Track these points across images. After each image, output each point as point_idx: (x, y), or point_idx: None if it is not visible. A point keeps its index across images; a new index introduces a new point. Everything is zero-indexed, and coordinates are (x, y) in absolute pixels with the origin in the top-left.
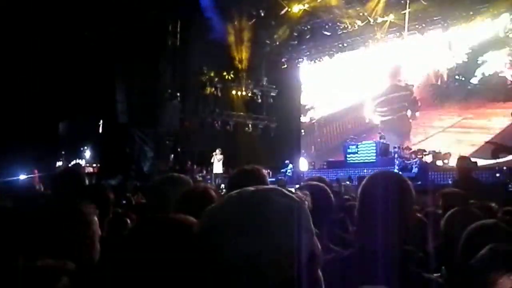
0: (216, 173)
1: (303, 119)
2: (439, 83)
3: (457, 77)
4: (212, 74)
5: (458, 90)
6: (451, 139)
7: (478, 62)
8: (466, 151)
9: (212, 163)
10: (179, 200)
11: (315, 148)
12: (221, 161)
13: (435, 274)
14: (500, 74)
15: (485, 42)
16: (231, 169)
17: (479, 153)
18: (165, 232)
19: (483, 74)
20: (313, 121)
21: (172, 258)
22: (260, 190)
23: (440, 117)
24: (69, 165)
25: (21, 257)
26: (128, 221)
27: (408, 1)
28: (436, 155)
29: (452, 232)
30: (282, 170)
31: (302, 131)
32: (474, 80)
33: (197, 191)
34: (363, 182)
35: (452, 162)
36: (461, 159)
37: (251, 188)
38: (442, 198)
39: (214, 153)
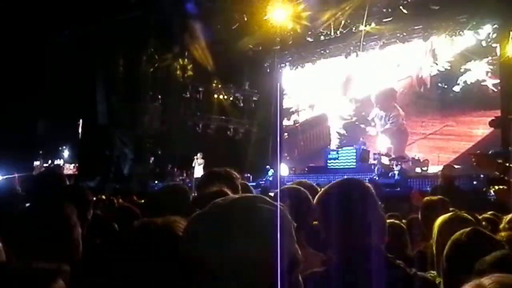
0: (196, 177)
1: (287, 122)
2: (422, 90)
3: (439, 84)
4: (194, 78)
5: (441, 97)
6: (433, 146)
7: (461, 70)
8: (447, 158)
9: (193, 167)
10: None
11: (298, 151)
12: (202, 165)
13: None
14: (482, 83)
15: (467, 50)
16: None
17: (459, 160)
18: (154, 238)
19: (465, 82)
20: (297, 125)
21: (158, 263)
22: (243, 197)
23: (422, 123)
24: (46, 165)
25: (15, 259)
26: (116, 225)
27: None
28: (415, 162)
29: (443, 238)
30: (268, 174)
31: (286, 134)
32: (457, 88)
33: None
34: (326, 192)
35: (431, 169)
36: (446, 167)
37: (235, 196)
38: (422, 205)
39: (195, 157)
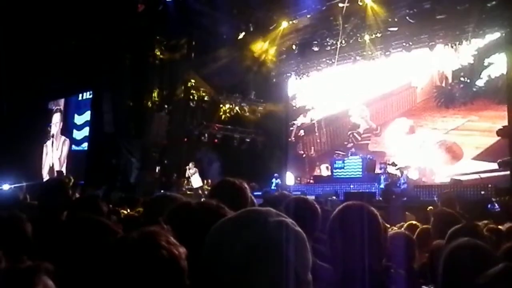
0: (193, 187)
1: (303, 119)
2: (443, 84)
3: (462, 79)
4: (199, 86)
5: (463, 92)
6: (455, 141)
7: (484, 64)
8: (470, 153)
9: (188, 177)
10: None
11: (315, 149)
12: (196, 174)
13: None
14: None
15: (491, 44)
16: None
17: (483, 156)
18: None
19: (489, 76)
20: (313, 122)
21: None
22: (254, 211)
23: (443, 119)
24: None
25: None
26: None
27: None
28: (421, 171)
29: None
30: (274, 182)
31: (302, 131)
32: (480, 82)
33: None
34: (335, 214)
35: (437, 178)
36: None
37: (248, 209)
38: (434, 217)
39: (187, 167)
